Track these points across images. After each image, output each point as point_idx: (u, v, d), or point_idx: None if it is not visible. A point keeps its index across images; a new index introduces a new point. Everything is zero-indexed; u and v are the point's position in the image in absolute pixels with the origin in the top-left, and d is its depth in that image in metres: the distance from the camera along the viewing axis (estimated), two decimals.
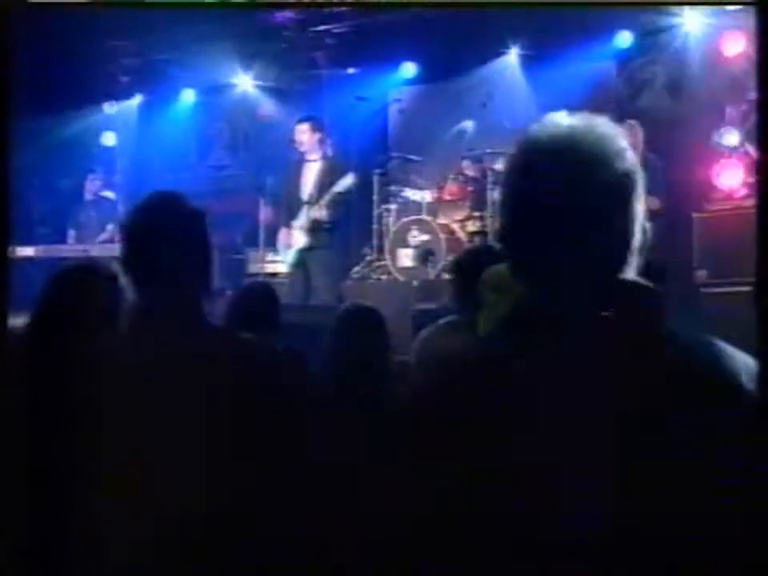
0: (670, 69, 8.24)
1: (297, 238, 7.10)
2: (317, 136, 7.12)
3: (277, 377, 2.01)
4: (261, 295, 3.94)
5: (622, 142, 1.30)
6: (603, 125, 1.30)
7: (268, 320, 3.60)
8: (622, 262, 1.27)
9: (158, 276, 1.97)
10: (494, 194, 7.94)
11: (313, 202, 7.03)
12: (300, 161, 7.25)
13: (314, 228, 7.04)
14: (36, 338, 2.45)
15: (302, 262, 7.12)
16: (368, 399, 2.87)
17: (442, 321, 3.30)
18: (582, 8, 6.97)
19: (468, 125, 8.62)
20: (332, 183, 6.97)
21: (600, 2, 6.78)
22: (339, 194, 6.92)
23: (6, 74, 2.27)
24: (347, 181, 6.89)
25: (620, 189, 1.27)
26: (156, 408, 1.89)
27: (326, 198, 6.94)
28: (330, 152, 7.20)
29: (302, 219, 7.07)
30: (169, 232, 1.96)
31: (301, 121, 7.22)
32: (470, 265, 3.15)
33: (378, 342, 3.09)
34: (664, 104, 8.22)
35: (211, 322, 2.07)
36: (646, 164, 6.73)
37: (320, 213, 6.98)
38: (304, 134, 7.13)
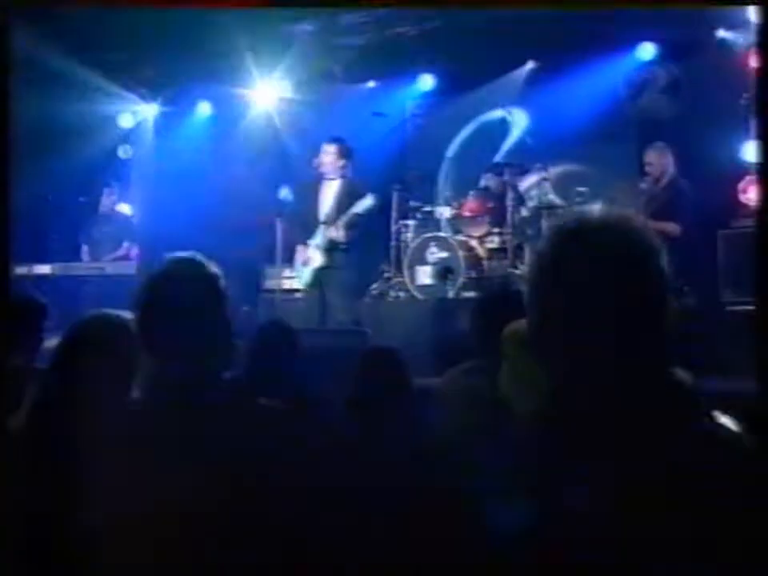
0: (694, 82, 8.16)
1: (313, 257, 7.05)
2: (341, 162, 7.00)
3: (299, 444, 2.00)
4: (278, 339, 3.92)
5: (657, 243, 1.31)
6: (640, 226, 1.31)
7: (284, 365, 3.63)
8: (653, 359, 1.27)
9: (173, 345, 1.96)
10: (515, 211, 7.95)
11: (330, 222, 6.95)
12: (318, 179, 7.18)
13: (331, 248, 6.98)
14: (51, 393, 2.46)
15: (317, 281, 7.07)
16: (389, 446, 2.89)
17: (465, 364, 3.28)
18: (585, 8, 7.00)
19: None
20: (350, 204, 6.86)
21: (607, 2, 6.79)
22: (358, 215, 6.85)
23: (7, 75, 2.30)
24: (367, 202, 6.77)
25: (656, 291, 1.29)
26: (169, 481, 1.87)
27: (344, 218, 6.86)
28: (349, 172, 7.12)
29: (319, 239, 7.02)
30: (184, 301, 1.96)
31: (329, 141, 7.07)
32: (493, 311, 3.10)
33: (401, 387, 3.10)
34: (685, 116, 8.14)
35: (227, 394, 2.06)
36: (674, 189, 6.80)
37: (337, 233, 6.89)
38: (328, 156, 7.01)
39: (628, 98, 8.47)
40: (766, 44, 1.78)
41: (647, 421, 1.23)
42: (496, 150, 8.84)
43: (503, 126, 8.57)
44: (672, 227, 6.57)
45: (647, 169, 7.12)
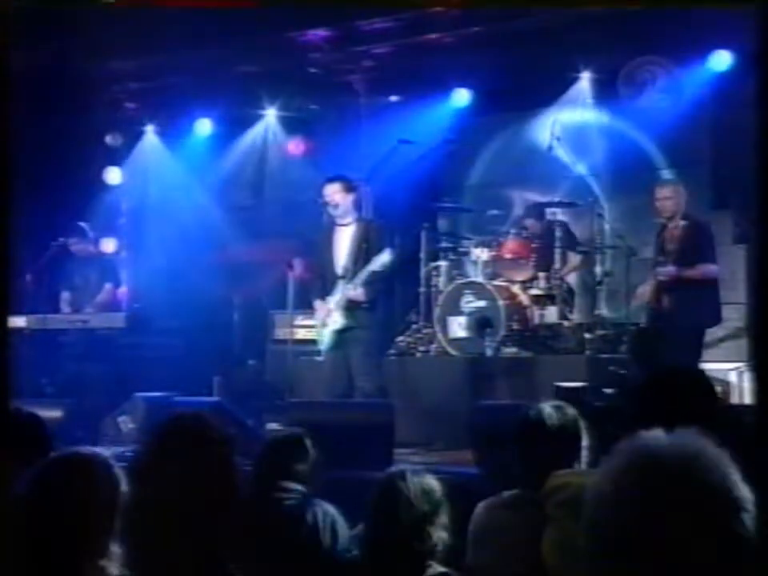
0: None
1: (333, 316, 6.72)
2: (350, 197, 6.69)
3: None
4: (290, 450, 3.73)
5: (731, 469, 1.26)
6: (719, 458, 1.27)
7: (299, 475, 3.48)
8: None
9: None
10: (564, 252, 7.74)
11: (348, 277, 6.64)
12: (331, 224, 6.83)
13: (351, 308, 6.65)
14: None
15: (338, 343, 6.74)
16: None
17: (506, 494, 3.09)
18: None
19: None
20: (367, 251, 6.59)
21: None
22: (374, 272, 6.54)
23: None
24: (384, 258, 6.46)
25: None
26: None
27: (361, 276, 6.57)
28: (365, 213, 6.79)
29: (338, 296, 6.69)
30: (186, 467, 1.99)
31: (330, 180, 6.75)
32: (541, 437, 2.99)
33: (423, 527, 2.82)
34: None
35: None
36: (694, 226, 6.54)
37: (355, 293, 6.59)
38: (336, 195, 6.68)
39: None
40: (766, 45, 1.84)
41: None
42: (544, 181, 8.47)
43: (551, 154, 8.05)
44: (709, 270, 6.50)
45: (659, 205, 6.75)
